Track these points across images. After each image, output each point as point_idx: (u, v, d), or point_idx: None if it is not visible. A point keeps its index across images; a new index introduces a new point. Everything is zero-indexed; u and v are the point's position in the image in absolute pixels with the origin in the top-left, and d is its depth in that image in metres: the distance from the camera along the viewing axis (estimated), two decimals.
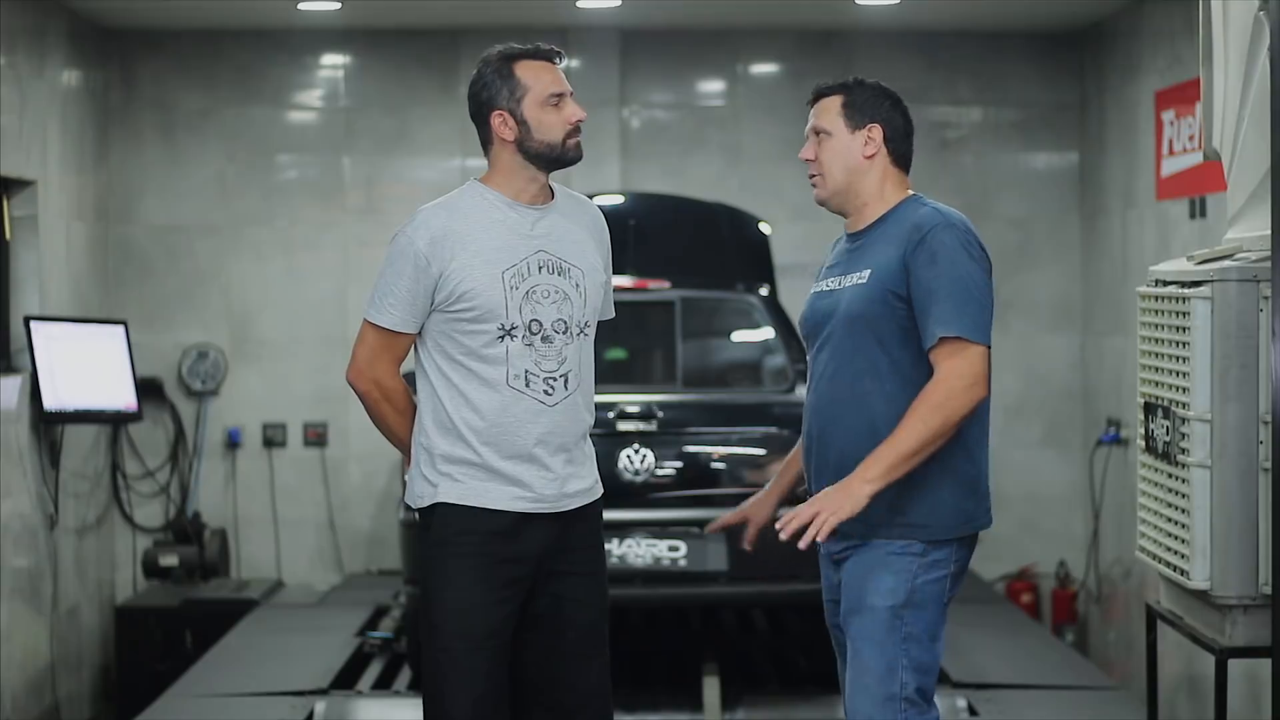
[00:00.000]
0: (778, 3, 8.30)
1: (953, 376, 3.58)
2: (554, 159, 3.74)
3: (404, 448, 3.85)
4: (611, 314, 3.95)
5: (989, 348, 3.62)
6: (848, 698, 3.74)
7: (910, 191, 3.83)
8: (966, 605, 6.93)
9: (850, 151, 3.79)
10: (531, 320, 3.69)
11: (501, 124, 3.72)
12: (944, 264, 3.61)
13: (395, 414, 3.82)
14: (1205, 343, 3.91)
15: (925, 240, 3.64)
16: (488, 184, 3.77)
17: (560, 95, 3.72)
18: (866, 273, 3.71)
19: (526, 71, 3.72)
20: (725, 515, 4.15)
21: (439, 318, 3.70)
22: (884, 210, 3.79)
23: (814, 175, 3.84)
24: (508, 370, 3.68)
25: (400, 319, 3.70)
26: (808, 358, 3.90)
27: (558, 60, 3.77)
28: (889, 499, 3.64)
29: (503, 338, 3.67)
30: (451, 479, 3.70)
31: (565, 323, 3.72)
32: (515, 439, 3.68)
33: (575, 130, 3.74)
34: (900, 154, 3.84)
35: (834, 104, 3.82)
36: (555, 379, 3.71)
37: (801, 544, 3.59)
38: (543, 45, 3.78)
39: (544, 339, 3.70)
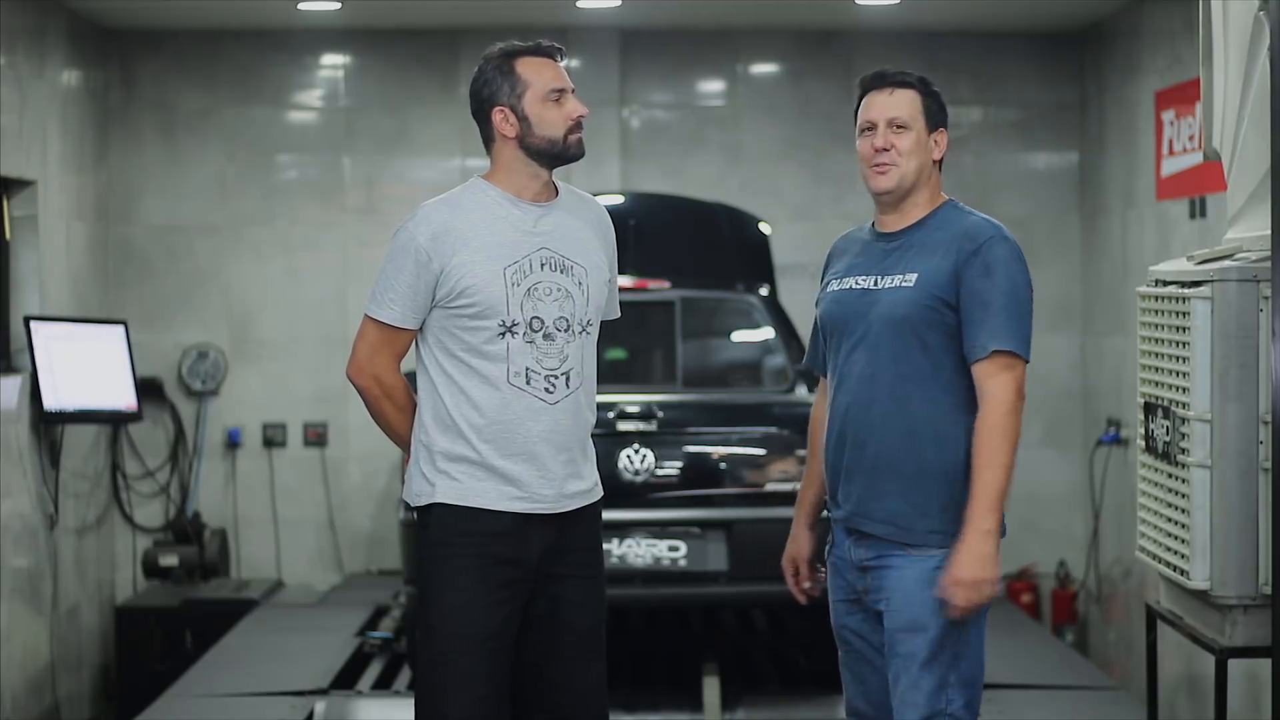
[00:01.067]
0: (778, 3, 8.29)
1: (1001, 400, 3.57)
2: (555, 155, 3.73)
3: (404, 444, 3.84)
4: (617, 314, 3.94)
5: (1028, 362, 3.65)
6: (896, 712, 3.68)
7: (945, 196, 3.80)
8: None
9: (927, 151, 3.74)
10: (533, 317, 3.68)
11: (503, 120, 3.71)
12: (1000, 277, 3.60)
13: (395, 410, 3.81)
14: (1205, 343, 3.91)
15: (980, 251, 3.62)
16: (490, 181, 3.76)
17: (561, 91, 3.72)
18: (913, 276, 3.67)
19: (528, 68, 3.72)
20: (790, 575, 3.98)
21: (440, 314, 3.70)
22: (923, 214, 3.75)
23: (885, 165, 3.72)
24: (508, 367, 3.67)
25: (401, 314, 3.70)
26: (832, 355, 3.82)
27: (559, 57, 3.77)
28: (923, 509, 3.64)
29: (503, 334, 3.67)
30: (449, 477, 3.69)
31: (567, 320, 3.71)
32: (515, 436, 3.67)
33: (577, 126, 3.73)
34: (943, 161, 3.82)
35: (914, 99, 3.74)
36: (556, 377, 3.70)
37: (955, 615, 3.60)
38: (544, 42, 3.77)
39: (545, 336, 3.69)
